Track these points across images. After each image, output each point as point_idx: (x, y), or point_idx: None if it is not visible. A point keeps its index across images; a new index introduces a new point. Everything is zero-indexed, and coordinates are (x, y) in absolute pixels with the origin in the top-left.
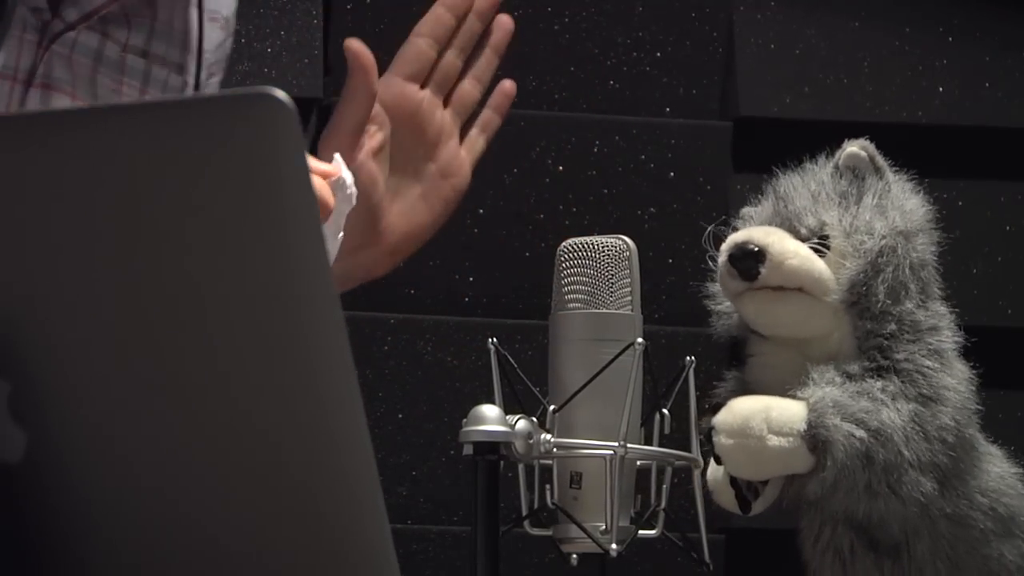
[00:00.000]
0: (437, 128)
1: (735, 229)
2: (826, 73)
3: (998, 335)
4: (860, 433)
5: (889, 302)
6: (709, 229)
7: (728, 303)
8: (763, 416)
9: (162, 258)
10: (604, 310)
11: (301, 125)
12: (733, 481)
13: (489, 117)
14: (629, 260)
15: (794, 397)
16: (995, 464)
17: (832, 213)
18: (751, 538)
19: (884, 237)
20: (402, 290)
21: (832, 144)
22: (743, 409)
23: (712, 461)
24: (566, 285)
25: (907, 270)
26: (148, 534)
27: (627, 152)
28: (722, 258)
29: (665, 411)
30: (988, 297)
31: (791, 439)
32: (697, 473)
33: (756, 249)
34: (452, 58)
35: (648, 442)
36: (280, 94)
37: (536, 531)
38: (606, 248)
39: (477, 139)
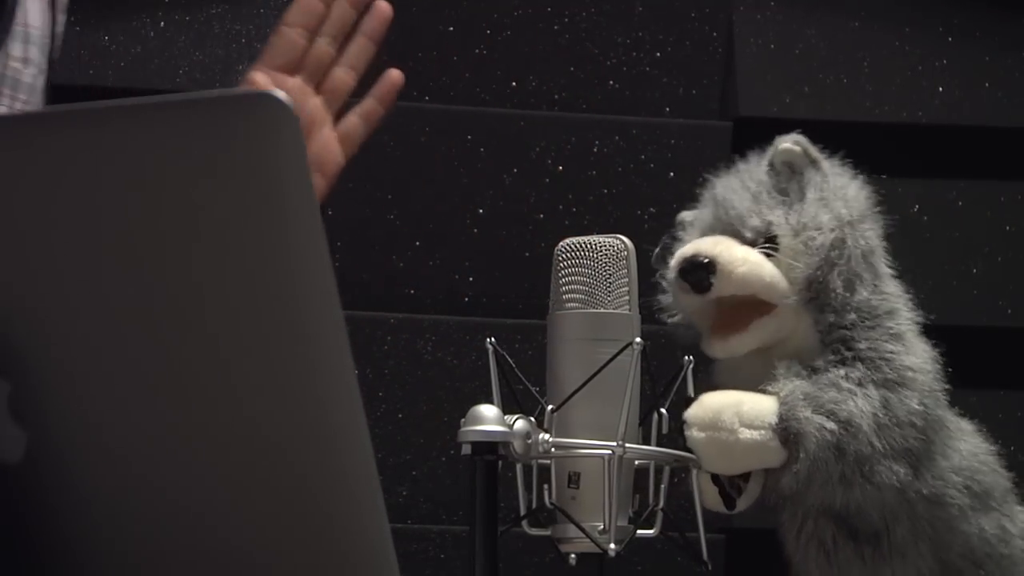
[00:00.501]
0: (307, 117)
1: (677, 239)
2: (826, 73)
3: (998, 335)
4: (831, 425)
5: (847, 294)
6: (656, 250)
7: (678, 316)
8: (734, 410)
9: (162, 257)
10: (602, 310)
11: (301, 125)
12: (715, 478)
13: (371, 106)
14: (627, 260)
15: (765, 392)
16: (966, 441)
17: (777, 212)
18: (750, 538)
19: (833, 230)
20: (402, 290)
21: (832, 144)
22: (714, 403)
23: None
24: (564, 285)
25: (859, 259)
26: (148, 534)
27: (627, 152)
28: (672, 274)
29: (663, 411)
30: (988, 297)
31: (763, 432)
32: (695, 473)
33: (705, 260)
34: (324, 46)
35: (646, 442)
36: (280, 94)
37: (535, 531)
38: (604, 248)
39: (356, 126)
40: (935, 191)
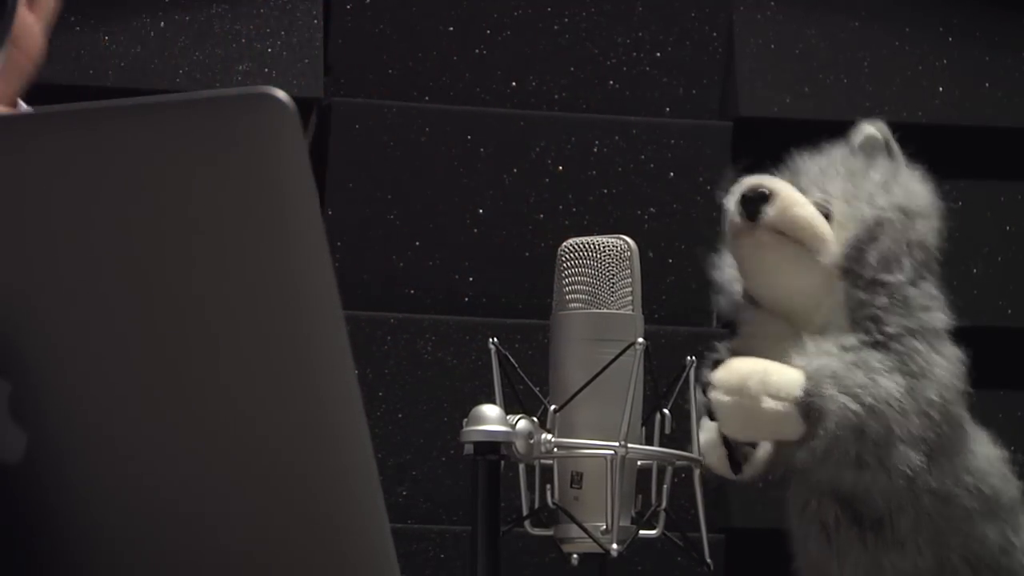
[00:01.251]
0: None
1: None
2: (826, 73)
3: (998, 335)
4: (855, 406)
5: (881, 271)
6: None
7: (731, 269)
8: (760, 378)
9: (162, 258)
10: (605, 310)
11: (301, 125)
12: (725, 442)
13: None
14: (630, 260)
15: (794, 365)
16: (982, 446)
17: (836, 184)
18: (751, 538)
19: (884, 209)
20: (402, 290)
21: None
22: (741, 368)
23: (705, 419)
24: (567, 285)
25: (903, 244)
26: (148, 534)
27: (627, 152)
28: (731, 199)
29: (666, 411)
30: (988, 297)
31: (785, 404)
32: (697, 473)
33: (767, 192)
34: None
35: (649, 442)
36: (280, 94)
37: (537, 531)
38: (607, 248)
39: (46, 2)
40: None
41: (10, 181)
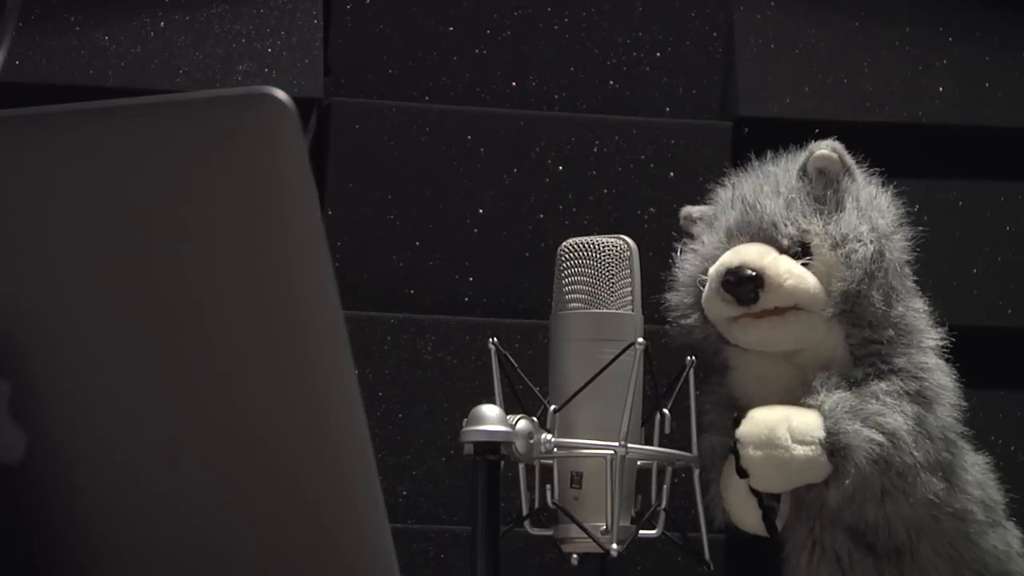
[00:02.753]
0: None
1: (690, 235)
2: (826, 73)
3: (998, 335)
4: (879, 438)
5: (885, 308)
6: (679, 247)
7: (693, 317)
8: (785, 426)
9: (162, 258)
10: (605, 310)
11: (301, 125)
12: (759, 500)
13: None
14: (630, 260)
15: (804, 406)
16: (971, 455)
17: (814, 221)
18: (751, 538)
19: (872, 242)
20: (402, 290)
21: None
22: (767, 420)
23: (730, 481)
24: (567, 285)
25: (895, 272)
26: (148, 534)
27: (627, 152)
28: (713, 284)
29: (666, 411)
30: (988, 297)
31: (814, 447)
32: (697, 473)
33: (754, 274)
34: None
35: (649, 442)
36: (280, 94)
37: (536, 531)
38: (607, 248)
39: None
40: (935, 191)
41: (10, 181)
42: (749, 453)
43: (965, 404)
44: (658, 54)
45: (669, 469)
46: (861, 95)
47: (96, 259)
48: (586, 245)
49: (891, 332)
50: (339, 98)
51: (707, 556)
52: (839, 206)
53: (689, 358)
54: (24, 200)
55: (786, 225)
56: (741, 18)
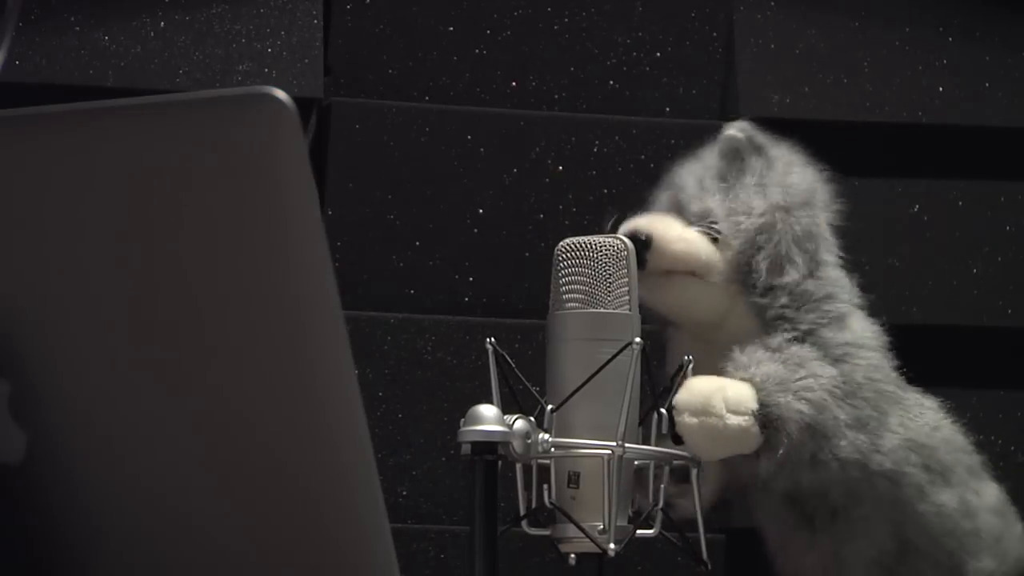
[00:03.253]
0: None
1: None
2: (826, 73)
3: (998, 335)
4: (804, 407)
5: (774, 278)
6: (608, 227)
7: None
8: (720, 395)
9: (162, 257)
10: (602, 310)
11: (301, 125)
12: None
13: None
14: (627, 260)
15: (735, 377)
16: (926, 416)
17: (716, 198)
18: (751, 538)
19: (763, 215)
20: (402, 290)
21: (832, 144)
22: (703, 388)
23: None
24: (564, 285)
25: (791, 243)
26: (148, 534)
27: (627, 152)
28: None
29: (663, 410)
30: (988, 297)
31: (747, 418)
32: (695, 472)
33: (643, 238)
34: None
35: (646, 442)
36: (280, 94)
37: (534, 531)
38: (604, 248)
39: None
40: (935, 191)
41: (10, 180)
42: (684, 420)
43: (898, 364)
44: (658, 54)
45: (666, 469)
46: (861, 95)
47: (96, 259)
48: (583, 245)
49: (785, 299)
50: (339, 98)
51: (705, 556)
52: (740, 184)
53: (686, 357)
54: (24, 200)
55: (692, 202)
56: (741, 18)
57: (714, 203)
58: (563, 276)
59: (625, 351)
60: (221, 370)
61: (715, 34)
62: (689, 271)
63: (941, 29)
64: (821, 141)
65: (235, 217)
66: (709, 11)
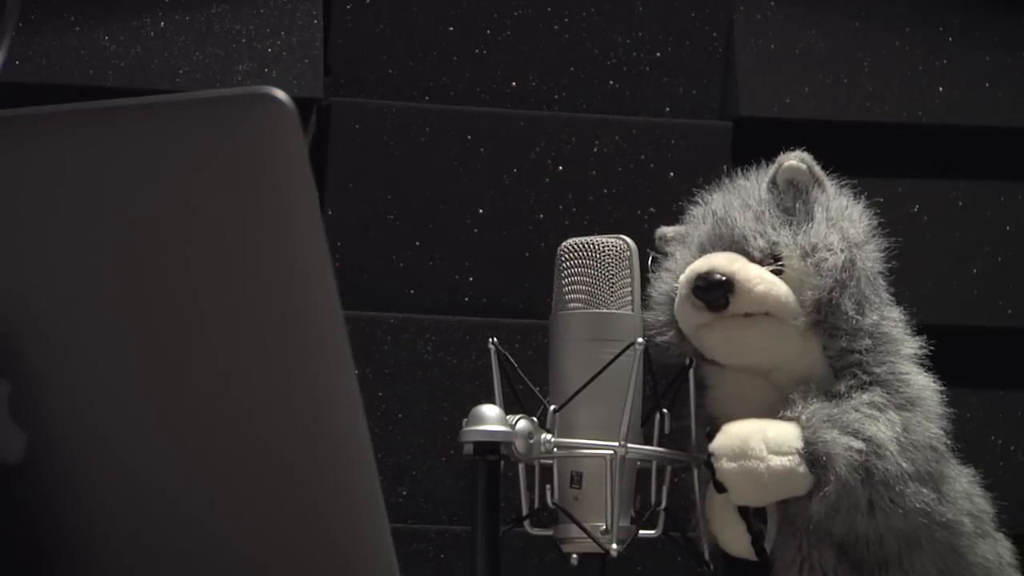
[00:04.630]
0: None
1: (663, 253)
2: (826, 73)
3: (998, 335)
4: (858, 444)
5: (858, 317)
6: (651, 255)
7: (669, 335)
8: (760, 436)
9: (162, 257)
10: (604, 310)
11: (301, 125)
12: (746, 521)
13: None
14: (630, 260)
15: (783, 419)
16: (956, 466)
17: (784, 233)
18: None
19: (843, 251)
20: (402, 290)
21: (832, 144)
22: (740, 431)
23: (714, 504)
24: (566, 285)
25: (868, 281)
26: (148, 534)
27: (627, 152)
28: (683, 290)
29: (665, 411)
30: (988, 297)
31: (791, 457)
32: (697, 473)
33: (723, 279)
34: None
35: (648, 442)
36: (280, 94)
37: (536, 531)
38: (607, 248)
39: None
40: (935, 191)
41: (10, 181)
42: (723, 465)
43: (951, 411)
44: (658, 54)
45: (668, 469)
46: (861, 95)
47: (95, 259)
48: (586, 245)
49: (868, 341)
50: (339, 98)
51: (707, 556)
52: (808, 216)
53: (687, 360)
54: (24, 200)
55: (756, 237)
56: (741, 18)
57: (782, 238)
58: (566, 276)
59: (628, 351)
60: (221, 370)
61: (715, 34)
62: (765, 312)
63: (941, 29)
64: (821, 141)
65: (235, 217)
66: (709, 11)
